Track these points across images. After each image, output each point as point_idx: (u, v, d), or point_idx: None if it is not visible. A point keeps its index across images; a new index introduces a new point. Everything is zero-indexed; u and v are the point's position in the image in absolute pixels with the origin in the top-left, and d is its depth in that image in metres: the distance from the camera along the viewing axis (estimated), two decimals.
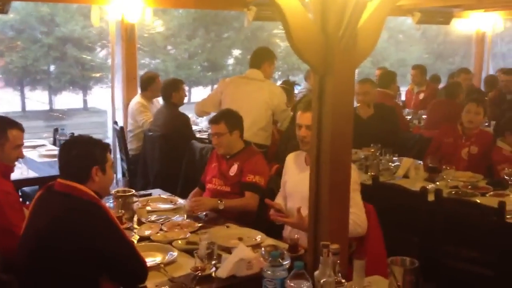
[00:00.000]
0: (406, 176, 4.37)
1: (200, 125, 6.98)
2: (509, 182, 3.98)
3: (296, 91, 7.31)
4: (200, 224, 3.15)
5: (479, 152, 4.63)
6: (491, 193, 3.87)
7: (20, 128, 3.26)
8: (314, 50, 2.34)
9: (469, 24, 9.44)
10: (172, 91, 5.57)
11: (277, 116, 5.14)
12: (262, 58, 5.15)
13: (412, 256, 2.36)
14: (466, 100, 5.24)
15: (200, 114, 5.65)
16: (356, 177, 2.99)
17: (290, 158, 3.31)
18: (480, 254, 3.35)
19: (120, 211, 3.16)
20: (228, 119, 3.74)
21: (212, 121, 3.78)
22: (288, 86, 6.54)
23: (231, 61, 16.72)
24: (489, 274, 3.26)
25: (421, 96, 7.78)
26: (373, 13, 2.38)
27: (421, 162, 4.62)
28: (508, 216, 3.27)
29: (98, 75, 14.30)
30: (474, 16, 9.07)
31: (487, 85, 8.11)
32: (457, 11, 8.58)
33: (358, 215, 2.86)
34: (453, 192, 3.88)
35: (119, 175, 6.46)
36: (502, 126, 4.62)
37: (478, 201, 3.58)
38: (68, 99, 14.94)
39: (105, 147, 2.51)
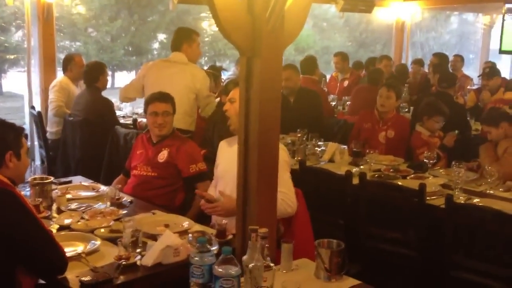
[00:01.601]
0: (331, 160, 4.45)
1: (124, 110, 6.80)
2: (429, 165, 4.14)
3: (224, 77, 7.25)
4: (124, 212, 3.04)
5: (396, 136, 4.79)
6: (412, 176, 4.00)
7: None
8: (241, 31, 2.29)
9: (390, 13, 9.73)
10: (99, 74, 5.38)
11: (199, 102, 4.91)
12: (180, 39, 4.90)
13: (338, 238, 2.40)
14: None
15: (123, 99, 5.44)
16: (286, 156, 2.98)
17: (224, 144, 3.24)
18: (402, 235, 3.46)
19: (37, 199, 2.98)
20: (172, 100, 3.65)
21: (159, 99, 3.61)
22: (215, 71, 6.46)
23: (156, 45, 16.38)
24: (411, 254, 3.38)
25: (346, 83, 7.95)
26: None
27: (346, 146, 4.73)
28: (428, 198, 3.40)
29: (12, 57, 13.55)
30: (394, 5, 9.36)
31: (397, 74, 8.43)
32: (378, 0, 8.81)
33: (287, 194, 2.83)
34: (376, 176, 3.98)
35: (37, 162, 6.16)
36: (420, 111, 4.79)
37: (400, 183, 3.69)
38: None
39: (20, 131, 2.36)
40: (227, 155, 3.09)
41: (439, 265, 3.20)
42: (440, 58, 7.82)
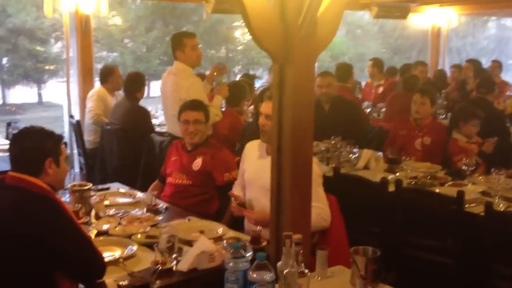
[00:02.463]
0: (366, 167, 4.40)
1: (160, 118, 6.89)
2: (467, 173, 4.06)
3: (257, 85, 7.30)
4: (160, 218, 3.08)
5: (432, 143, 4.71)
6: (450, 183, 3.93)
7: None
8: (273, 38, 2.30)
9: (425, 19, 9.62)
10: (141, 85, 5.54)
11: None
12: (173, 49, 4.78)
13: (374, 246, 2.37)
14: None
15: None
16: (318, 170, 2.98)
17: (250, 146, 3.26)
18: (439, 243, 3.39)
19: (76, 205, 3.05)
20: (204, 108, 3.69)
21: (193, 108, 3.65)
22: (249, 80, 6.51)
23: None
24: (448, 262, 3.31)
25: (380, 89, 7.89)
26: (332, 1, 2.36)
27: (381, 153, 4.68)
28: (467, 205, 3.33)
29: (52, 67, 13.92)
30: (430, 11, 9.25)
31: (436, 79, 8.31)
32: (413, 5, 8.71)
33: (322, 209, 2.85)
34: (413, 183, 3.92)
35: (76, 170, 6.30)
36: (456, 117, 4.70)
37: (437, 191, 3.63)
38: (22, 93, 14.51)
39: (59, 139, 2.40)
40: (255, 163, 3.11)
41: (478, 274, 3.13)
42: (473, 65, 7.68)
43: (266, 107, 2.95)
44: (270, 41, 2.32)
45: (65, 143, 2.50)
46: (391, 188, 3.62)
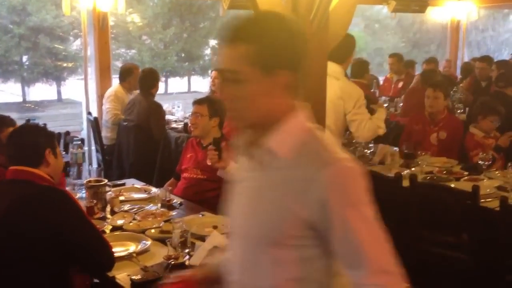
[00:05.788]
0: (381, 162, 4.38)
1: (176, 114, 6.93)
2: (483, 167, 4.02)
3: None
4: (174, 213, 3.11)
5: (448, 137, 4.66)
6: (466, 178, 3.89)
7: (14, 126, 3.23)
8: None
9: (444, 12, 9.51)
10: (156, 81, 5.61)
11: None
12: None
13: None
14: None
15: None
16: None
17: None
18: (455, 238, 3.37)
19: (92, 200, 3.09)
20: (212, 104, 3.72)
21: (196, 101, 3.76)
22: None
23: (207, 51, 16.61)
24: (464, 258, 3.28)
25: (400, 84, 7.82)
26: None
27: (397, 148, 4.66)
28: (482, 200, 3.30)
29: (71, 65, 14.08)
30: (449, 4, 9.14)
31: (463, 72, 8.19)
32: None
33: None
34: (428, 178, 3.90)
35: (95, 166, 6.37)
36: (475, 111, 4.65)
37: (453, 185, 3.60)
38: (42, 91, 14.72)
39: (52, 134, 2.55)
40: None
41: (493, 269, 3.10)
42: (487, 62, 7.54)
43: None
44: None
45: (58, 139, 2.59)
46: (406, 183, 3.60)
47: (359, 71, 6.48)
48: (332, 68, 3.50)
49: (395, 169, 4.03)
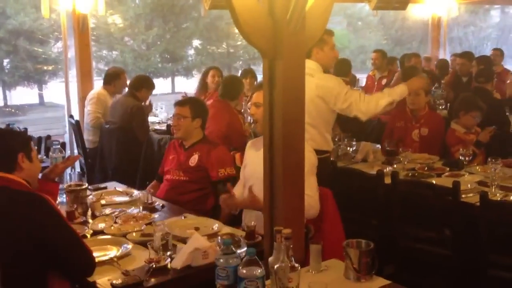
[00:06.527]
0: (364, 160, 4.40)
1: (160, 116, 6.90)
2: (464, 163, 4.05)
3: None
4: (156, 216, 3.09)
5: (429, 134, 4.69)
6: (447, 173, 3.92)
7: None
8: (262, 34, 2.30)
9: (425, 9, 9.55)
10: (143, 86, 5.65)
11: None
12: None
13: (372, 239, 2.37)
14: None
15: None
16: (314, 160, 2.98)
17: (250, 144, 3.28)
18: (437, 234, 3.39)
19: (72, 205, 3.06)
20: (194, 105, 3.70)
21: (178, 103, 3.74)
22: (251, 74, 6.59)
23: (191, 51, 16.56)
24: (446, 253, 3.31)
25: (384, 81, 7.84)
26: None
27: (379, 146, 4.68)
28: (463, 196, 3.32)
29: (51, 68, 13.94)
30: (429, 1, 9.18)
31: (439, 69, 8.24)
32: None
33: (311, 197, 2.82)
34: (410, 174, 3.92)
35: (78, 170, 6.31)
36: (456, 107, 4.68)
37: (434, 182, 3.62)
38: (23, 94, 14.54)
39: (27, 137, 2.53)
40: (254, 157, 3.11)
41: (476, 264, 3.13)
42: (467, 58, 7.58)
43: (255, 97, 3.01)
44: (258, 36, 2.31)
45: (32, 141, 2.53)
46: (388, 180, 3.62)
47: (342, 70, 6.51)
48: (307, 65, 3.12)
49: (378, 167, 4.06)
